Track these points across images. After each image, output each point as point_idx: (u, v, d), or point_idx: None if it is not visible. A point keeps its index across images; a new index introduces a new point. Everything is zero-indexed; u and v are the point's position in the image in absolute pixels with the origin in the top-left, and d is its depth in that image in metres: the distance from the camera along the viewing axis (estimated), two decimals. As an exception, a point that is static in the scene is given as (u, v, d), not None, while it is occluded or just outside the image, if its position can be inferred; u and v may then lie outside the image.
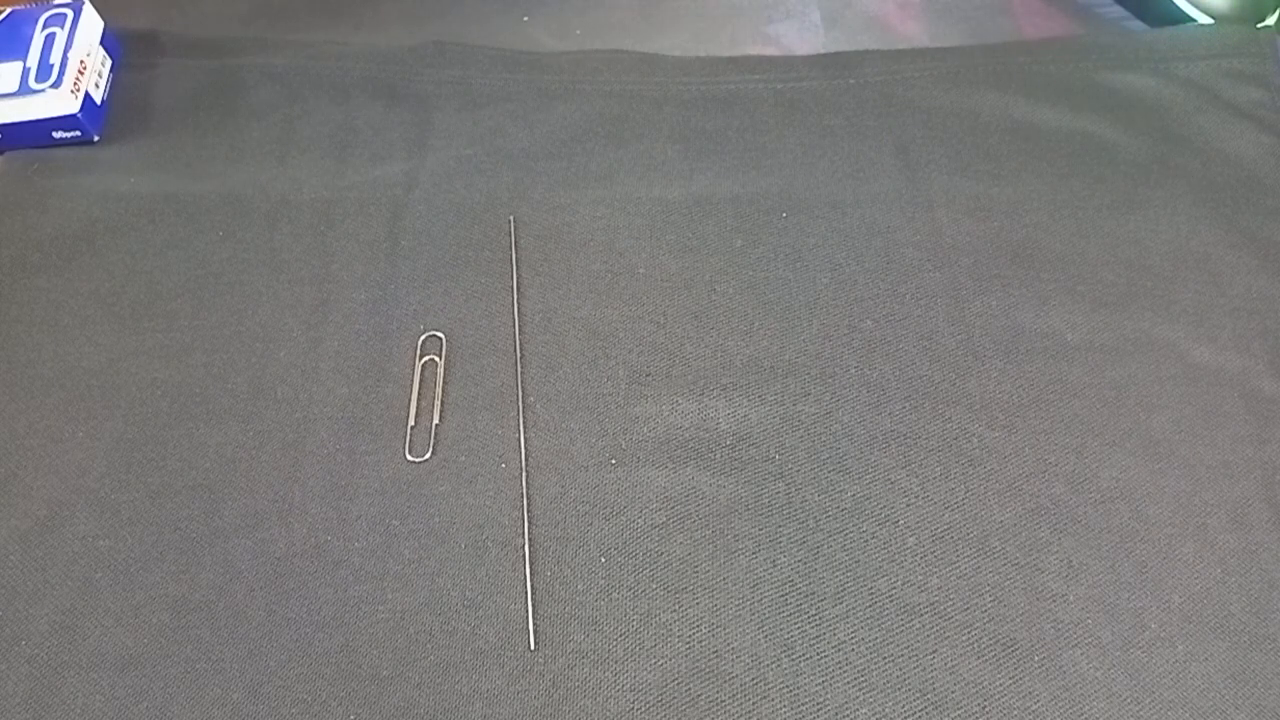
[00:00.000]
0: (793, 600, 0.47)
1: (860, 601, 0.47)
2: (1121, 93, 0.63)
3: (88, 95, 0.61)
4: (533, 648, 0.46)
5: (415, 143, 0.62)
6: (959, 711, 0.44)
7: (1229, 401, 0.51)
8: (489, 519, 0.49)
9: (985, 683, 0.45)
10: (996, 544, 0.48)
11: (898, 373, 0.53)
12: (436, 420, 0.52)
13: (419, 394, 0.53)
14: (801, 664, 0.45)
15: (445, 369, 0.54)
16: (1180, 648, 0.45)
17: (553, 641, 0.46)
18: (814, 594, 0.47)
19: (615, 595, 0.47)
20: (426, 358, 0.54)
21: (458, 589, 0.47)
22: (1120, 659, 0.45)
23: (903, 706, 0.44)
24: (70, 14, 0.62)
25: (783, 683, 0.45)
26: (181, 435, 0.52)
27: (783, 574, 0.47)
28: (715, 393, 0.53)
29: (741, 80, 0.65)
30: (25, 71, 0.59)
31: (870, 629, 0.46)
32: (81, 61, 0.61)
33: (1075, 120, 0.62)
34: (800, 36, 0.69)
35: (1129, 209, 0.58)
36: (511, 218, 0.59)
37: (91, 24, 0.63)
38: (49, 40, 0.61)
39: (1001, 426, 0.51)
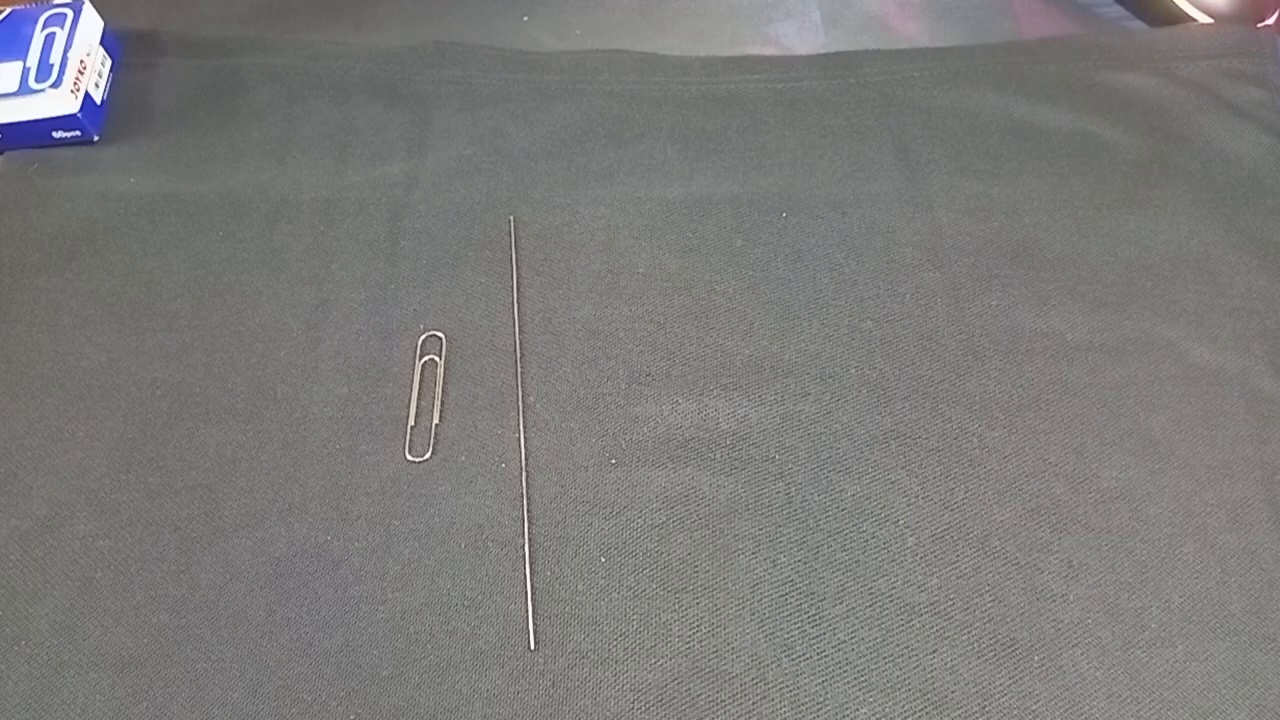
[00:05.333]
0: (793, 600, 0.47)
1: (860, 601, 0.47)
2: (1121, 93, 0.63)
3: (88, 95, 0.61)
4: (533, 648, 0.46)
5: (415, 143, 0.62)
6: (959, 711, 0.44)
7: (1229, 401, 0.51)
8: (489, 519, 0.49)
9: (985, 683, 0.45)
10: (996, 544, 0.48)
11: (898, 373, 0.53)
12: (436, 420, 0.52)
13: (419, 394, 0.53)
14: (801, 664, 0.45)
15: (445, 369, 0.54)
16: (1180, 648, 0.45)
17: (553, 641, 0.46)
18: (814, 594, 0.47)
19: (615, 595, 0.47)
20: (426, 357, 0.54)
21: (458, 589, 0.47)
22: (1120, 659, 0.45)
23: (903, 706, 0.44)
24: (70, 14, 0.62)
25: (783, 683, 0.45)
26: (181, 435, 0.52)
27: (783, 574, 0.47)
28: (715, 393, 0.53)
29: (741, 80, 0.65)
30: (25, 71, 0.59)
31: (870, 629, 0.46)
32: (81, 61, 0.61)
33: (1075, 120, 0.62)
34: (800, 36, 0.69)
35: (1129, 209, 0.58)
36: (511, 218, 0.59)
37: (91, 24, 0.63)
38: (49, 40, 0.61)
39: (1001, 426, 0.51)
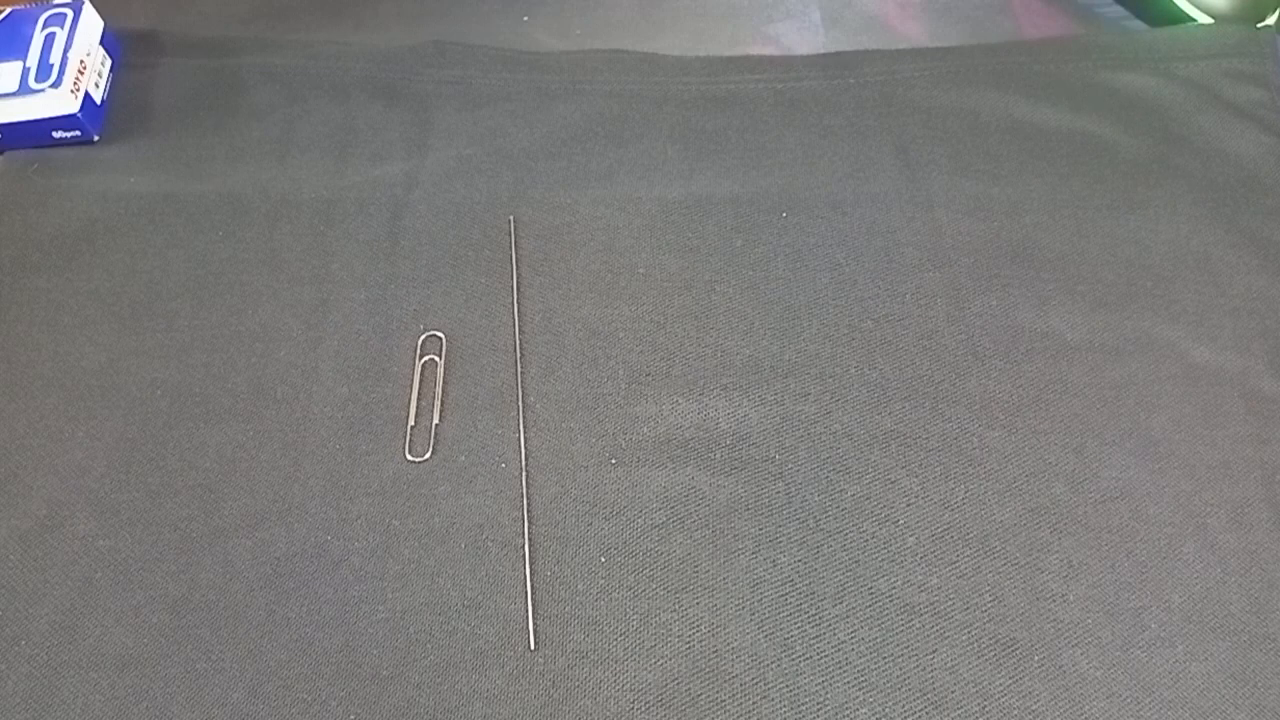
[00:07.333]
0: (793, 600, 0.47)
1: (860, 601, 0.47)
2: (1121, 93, 0.63)
3: (88, 95, 0.61)
4: (533, 648, 0.46)
5: (415, 143, 0.62)
6: (959, 711, 0.44)
7: (1229, 401, 0.51)
8: (489, 519, 0.49)
9: (985, 683, 0.45)
10: (996, 544, 0.48)
11: (898, 373, 0.53)
12: (436, 420, 0.52)
13: (419, 394, 0.53)
14: (801, 664, 0.45)
15: (445, 369, 0.54)
16: (1180, 648, 0.45)
17: (553, 641, 0.46)
18: (814, 594, 0.47)
19: (615, 595, 0.47)
20: (426, 357, 0.54)
21: (458, 589, 0.47)
22: (1120, 659, 0.45)
23: (903, 706, 0.44)
24: (70, 14, 0.62)
25: (783, 683, 0.45)
26: (181, 435, 0.52)
27: (783, 574, 0.47)
28: (715, 393, 0.53)
29: (741, 80, 0.65)
30: (25, 71, 0.59)
31: (870, 629, 0.46)
32: (81, 61, 0.61)
33: (1075, 120, 0.62)
34: (800, 36, 0.69)
35: (1129, 209, 0.58)
36: (511, 218, 0.59)
37: (91, 24, 0.63)
38: (49, 40, 0.61)
39: (1001, 426, 0.51)
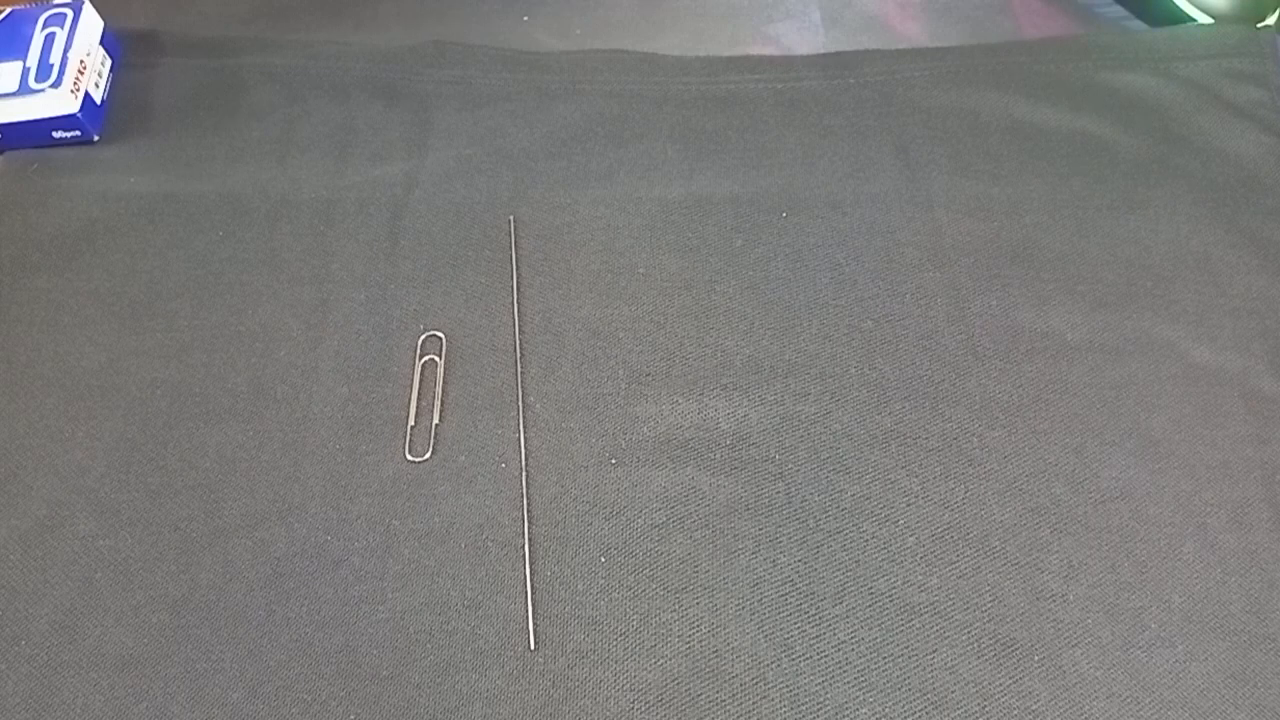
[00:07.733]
0: (793, 600, 0.47)
1: (860, 601, 0.47)
2: (1121, 93, 0.63)
3: (88, 95, 0.61)
4: (533, 648, 0.46)
5: (415, 143, 0.62)
6: (959, 711, 0.44)
7: (1229, 401, 0.51)
8: (489, 519, 0.49)
9: (985, 683, 0.45)
10: (996, 544, 0.48)
11: (898, 373, 0.53)
12: (436, 420, 0.52)
13: (419, 394, 0.53)
14: (801, 664, 0.45)
15: (445, 369, 0.54)
16: (1180, 648, 0.45)
17: (553, 641, 0.46)
18: (814, 594, 0.47)
19: (615, 595, 0.47)
20: (426, 357, 0.54)
21: (458, 589, 0.47)
22: (1120, 659, 0.45)
23: (903, 706, 0.44)
24: (70, 14, 0.62)
25: (783, 683, 0.45)
26: (181, 435, 0.52)
27: (783, 574, 0.47)
28: (715, 393, 0.53)
29: (741, 80, 0.65)
30: (25, 71, 0.59)
31: (870, 629, 0.46)
32: (81, 61, 0.61)
33: (1075, 120, 0.62)
34: (800, 36, 0.69)
35: (1129, 209, 0.58)
36: (511, 218, 0.59)
37: (91, 24, 0.63)
38: (49, 40, 0.61)
39: (1001, 426, 0.51)
